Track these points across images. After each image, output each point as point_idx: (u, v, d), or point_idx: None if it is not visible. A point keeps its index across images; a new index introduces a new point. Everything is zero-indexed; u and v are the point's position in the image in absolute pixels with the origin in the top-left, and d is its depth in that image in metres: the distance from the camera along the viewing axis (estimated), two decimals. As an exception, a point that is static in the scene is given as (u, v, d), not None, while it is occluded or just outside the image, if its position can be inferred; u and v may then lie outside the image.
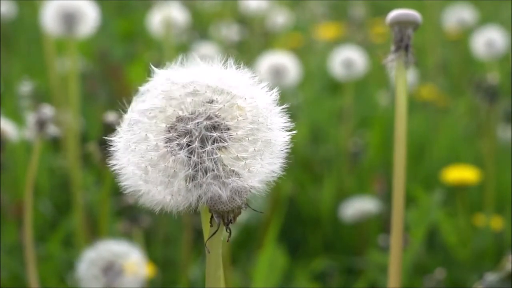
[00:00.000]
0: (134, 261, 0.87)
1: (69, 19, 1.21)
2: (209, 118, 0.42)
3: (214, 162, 0.41)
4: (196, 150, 0.41)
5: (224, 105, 0.42)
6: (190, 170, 0.41)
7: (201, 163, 0.41)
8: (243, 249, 1.30)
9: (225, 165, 0.41)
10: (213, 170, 0.41)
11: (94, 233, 1.19)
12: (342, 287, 1.23)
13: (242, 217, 1.28)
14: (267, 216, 1.30)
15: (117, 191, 1.37)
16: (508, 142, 1.51)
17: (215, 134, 0.42)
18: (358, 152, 1.49)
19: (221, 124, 0.42)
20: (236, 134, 0.42)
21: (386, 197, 1.39)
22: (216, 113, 0.42)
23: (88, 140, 1.49)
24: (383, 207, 1.34)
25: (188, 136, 0.42)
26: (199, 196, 0.41)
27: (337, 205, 1.37)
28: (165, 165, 0.42)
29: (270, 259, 1.10)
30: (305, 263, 1.25)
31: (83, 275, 0.87)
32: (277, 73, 1.45)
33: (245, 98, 0.42)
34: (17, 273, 1.15)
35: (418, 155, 1.50)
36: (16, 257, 1.18)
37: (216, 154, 0.41)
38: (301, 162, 1.52)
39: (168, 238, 1.28)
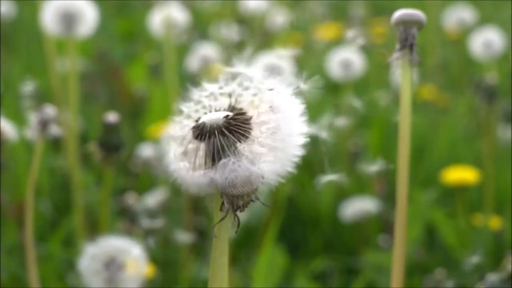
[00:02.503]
0: (135, 256, 0.87)
1: (69, 19, 1.21)
2: (234, 109, 0.45)
3: (234, 148, 0.43)
4: (219, 136, 0.43)
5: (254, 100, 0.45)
6: (210, 153, 0.43)
7: (222, 148, 0.43)
8: (243, 249, 1.30)
9: (242, 152, 0.43)
10: (231, 155, 0.43)
11: (94, 233, 1.19)
12: (342, 287, 1.23)
13: (242, 217, 1.28)
14: (267, 216, 1.30)
15: (117, 191, 1.38)
16: (508, 142, 1.51)
17: (240, 125, 0.44)
18: (358, 152, 1.49)
19: (247, 117, 0.44)
20: (259, 130, 0.44)
21: (386, 197, 1.39)
22: (244, 106, 0.45)
23: (88, 140, 1.50)
24: (383, 207, 1.34)
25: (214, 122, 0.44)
26: (219, 176, 0.43)
27: (337, 205, 1.37)
28: (190, 150, 0.44)
29: (270, 259, 1.10)
30: (305, 263, 1.25)
31: (84, 270, 0.87)
32: (272, 73, 1.45)
33: (273, 97, 0.45)
34: (17, 273, 1.15)
35: (418, 155, 1.50)
36: (16, 257, 1.18)
37: (237, 142, 0.43)
38: (301, 162, 1.51)
39: (168, 238, 1.28)
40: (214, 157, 0.43)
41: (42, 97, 1.55)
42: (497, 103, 1.41)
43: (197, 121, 0.45)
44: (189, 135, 0.44)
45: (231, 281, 1.13)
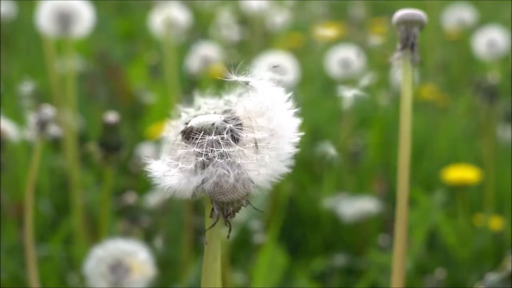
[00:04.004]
0: (141, 260, 0.87)
1: (64, 19, 1.21)
2: (226, 112, 0.44)
3: (224, 152, 0.42)
4: (207, 140, 0.43)
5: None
6: (200, 157, 0.42)
7: (208, 152, 0.42)
8: (243, 249, 1.30)
9: (230, 157, 0.42)
10: (219, 159, 0.42)
11: (94, 233, 1.19)
12: (342, 287, 1.23)
13: (242, 217, 1.28)
14: (267, 216, 1.30)
15: (117, 191, 1.38)
16: (508, 142, 1.51)
17: (228, 126, 0.43)
18: (358, 152, 1.49)
19: (236, 120, 0.43)
20: (250, 134, 0.43)
21: (386, 197, 1.39)
22: (232, 110, 0.44)
23: (88, 140, 1.50)
24: (383, 207, 1.34)
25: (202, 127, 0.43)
26: (203, 180, 0.42)
27: (337, 205, 1.37)
28: (177, 152, 0.43)
29: (270, 259, 1.10)
30: (305, 263, 1.25)
31: (90, 273, 0.87)
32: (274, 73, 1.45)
33: (263, 100, 0.43)
34: (17, 273, 1.15)
35: (418, 155, 1.50)
36: (16, 257, 1.18)
37: (226, 146, 0.42)
38: (301, 162, 1.52)
39: (168, 238, 1.28)
40: (203, 162, 0.42)
41: (41, 97, 1.55)
42: (497, 103, 1.41)
43: (186, 124, 0.44)
44: (178, 139, 0.43)
45: (231, 281, 1.13)
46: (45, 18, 1.21)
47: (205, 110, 0.45)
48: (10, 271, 1.15)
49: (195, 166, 0.42)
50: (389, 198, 1.39)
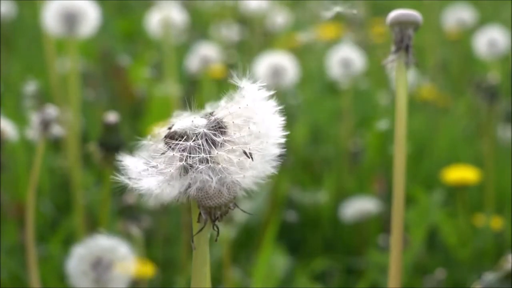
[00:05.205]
0: (123, 256, 0.87)
1: (70, 19, 1.21)
2: (209, 116, 0.43)
3: (208, 156, 0.42)
4: (190, 144, 0.42)
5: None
6: (182, 162, 0.42)
7: (192, 157, 0.42)
8: (243, 249, 1.30)
9: (212, 162, 0.42)
10: (200, 165, 0.41)
11: (94, 233, 1.19)
12: (342, 287, 1.23)
13: (242, 217, 1.28)
14: (267, 216, 1.30)
15: (117, 191, 1.37)
16: (508, 142, 1.51)
17: (210, 130, 0.42)
18: (358, 152, 1.49)
19: (219, 123, 0.43)
20: (232, 136, 0.42)
21: (386, 197, 1.39)
22: (220, 114, 0.43)
23: (89, 140, 1.50)
24: (383, 207, 1.34)
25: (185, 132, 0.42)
26: (188, 185, 0.41)
27: (337, 205, 1.37)
28: (160, 157, 0.42)
29: (270, 259, 1.10)
30: (305, 263, 1.25)
31: (72, 271, 0.87)
32: (276, 74, 1.45)
33: (246, 102, 0.43)
34: (17, 273, 1.15)
35: (418, 155, 1.50)
36: (16, 257, 1.18)
37: (209, 150, 0.42)
38: (301, 162, 1.52)
39: (168, 238, 1.28)
40: (184, 167, 0.41)
41: (41, 97, 1.55)
42: (497, 103, 1.41)
43: (169, 129, 0.43)
44: (161, 144, 0.43)
45: (231, 281, 1.13)
46: (51, 18, 1.21)
47: (191, 114, 0.43)
48: (10, 271, 1.16)
49: (178, 171, 0.41)
50: (389, 198, 1.39)
